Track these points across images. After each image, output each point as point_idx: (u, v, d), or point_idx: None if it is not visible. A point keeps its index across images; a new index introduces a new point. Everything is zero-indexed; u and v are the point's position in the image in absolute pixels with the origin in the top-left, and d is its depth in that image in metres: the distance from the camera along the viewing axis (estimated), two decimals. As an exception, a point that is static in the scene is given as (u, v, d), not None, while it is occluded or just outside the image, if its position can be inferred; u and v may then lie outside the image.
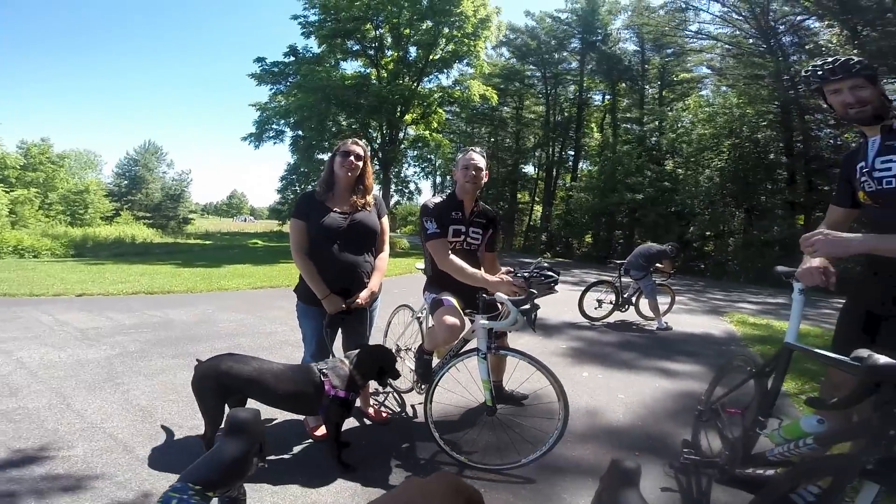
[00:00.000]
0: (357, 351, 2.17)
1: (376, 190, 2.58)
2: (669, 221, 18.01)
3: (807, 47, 16.42)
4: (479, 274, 2.25)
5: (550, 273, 2.22)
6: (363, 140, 2.47)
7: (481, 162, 2.44)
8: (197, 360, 2.02)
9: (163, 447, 2.22)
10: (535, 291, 2.08)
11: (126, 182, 42.15)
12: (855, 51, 13.60)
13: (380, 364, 2.15)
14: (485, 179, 2.50)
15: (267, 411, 2.11)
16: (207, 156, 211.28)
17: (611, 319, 5.91)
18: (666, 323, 5.65)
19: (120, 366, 3.34)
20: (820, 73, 1.60)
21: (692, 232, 17.82)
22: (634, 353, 4.47)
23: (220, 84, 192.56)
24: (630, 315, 6.02)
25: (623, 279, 5.94)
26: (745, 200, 17.43)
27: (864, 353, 1.15)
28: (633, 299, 5.96)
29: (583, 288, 6.06)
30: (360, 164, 2.30)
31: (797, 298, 1.64)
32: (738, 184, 17.06)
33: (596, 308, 5.90)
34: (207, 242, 23.86)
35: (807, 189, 15.44)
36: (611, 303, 5.89)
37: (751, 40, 18.44)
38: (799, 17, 16.70)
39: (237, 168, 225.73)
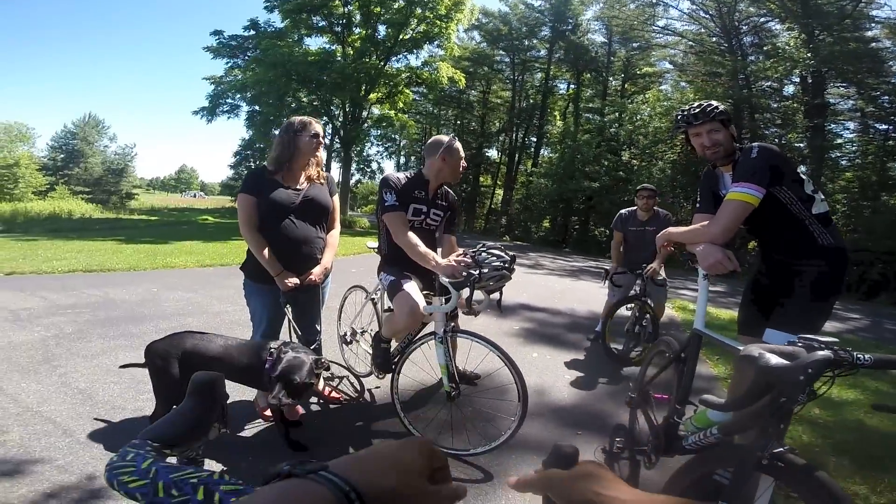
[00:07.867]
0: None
1: (336, 169, 2.55)
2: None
3: (765, 48, 17.30)
4: (430, 254, 2.20)
5: (499, 253, 2.11)
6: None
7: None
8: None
9: (106, 430, 2.15)
10: (474, 273, 2.02)
11: (62, 156, 39.01)
12: (809, 54, 14.44)
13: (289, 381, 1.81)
14: None
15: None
16: (156, 130, 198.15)
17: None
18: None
19: (56, 348, 3.15)
20: (685, 118, 1.85)
21: (644, 221, 18.71)
22: (582, 335, 4.71)
23: (172, 57, 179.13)
24: (580, 299, 5.92)
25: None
26: (694, 193, 18.41)
27: (754, 351, 1.05)
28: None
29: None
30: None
31: (702, 284, 1.70)
32: (688, 176, 17.94)
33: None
34: (153, 218, 22.38)
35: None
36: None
37: (714, 38, 19.26)
38: (762, 19, 17.51)
39: (187, 142, 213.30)
